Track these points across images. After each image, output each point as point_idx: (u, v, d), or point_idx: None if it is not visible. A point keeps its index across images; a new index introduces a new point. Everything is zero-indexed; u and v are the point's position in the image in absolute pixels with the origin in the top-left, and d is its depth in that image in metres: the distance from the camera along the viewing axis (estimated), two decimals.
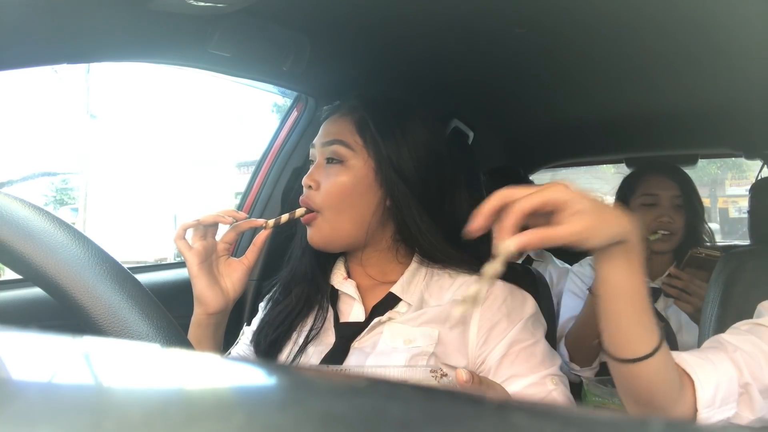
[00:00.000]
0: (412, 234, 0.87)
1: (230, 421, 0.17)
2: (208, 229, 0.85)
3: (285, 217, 0.86)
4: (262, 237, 0.87)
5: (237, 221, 0.85)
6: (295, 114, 1.36)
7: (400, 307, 0.86)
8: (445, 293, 0.86)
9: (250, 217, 0.90)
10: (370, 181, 0.86)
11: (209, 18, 0.86)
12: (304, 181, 0.87)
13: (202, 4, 0.78)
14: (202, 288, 0.83)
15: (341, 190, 0.85)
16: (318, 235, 0.86)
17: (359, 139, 0.87)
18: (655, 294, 1.51)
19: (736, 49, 1.16)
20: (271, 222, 0.86)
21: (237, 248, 1.33)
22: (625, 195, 1.60)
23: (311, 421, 0.17)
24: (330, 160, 0.87)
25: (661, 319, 1.43)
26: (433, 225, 0.87)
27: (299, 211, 0.86)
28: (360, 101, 0.91)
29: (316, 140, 0.90)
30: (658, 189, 1.54)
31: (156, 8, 0.78)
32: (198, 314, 0.84)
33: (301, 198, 0.87)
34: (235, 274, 0.86)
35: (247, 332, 0.95)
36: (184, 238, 0.83)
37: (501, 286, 0.85)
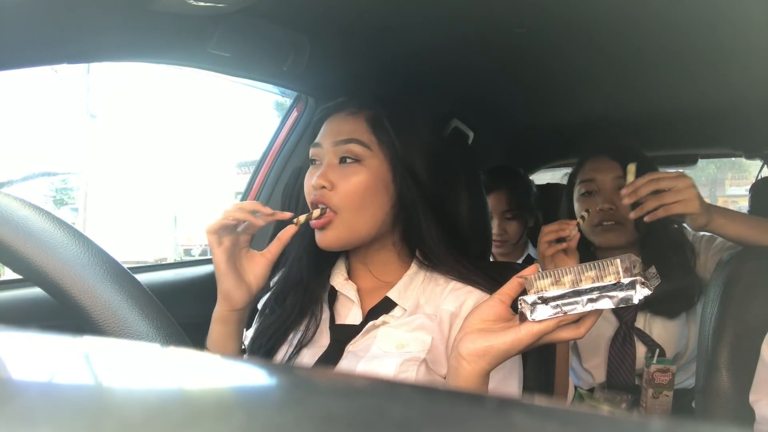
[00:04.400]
0: (418, 234, 0.87)
1: (230, 421, 0.17)
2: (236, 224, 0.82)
3: (302, 218, 0.84)
4: (288, 233, 0.83)
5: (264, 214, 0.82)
6: (295, 114, 1.36)
7: (396, 311, 0.85)
8: (438, 299, 0.85)
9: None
10: (387, 180, 0.86)
11: (209, 18, 0.86)
12: (317, 182, 0.84)
13: (202, 4, 0.78)
14: (229, 286, 0.81)
15: (361, 189, 0.83)
16: (334, 236, 0.84)
17: (374, 137, 0.85)
18: (629, 312, 1.34)
19: (736, 49, 1.16)
20: (302, 218, 0.83)
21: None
22: (569, 189, 1.41)
23: (311, 421, 0.17)
24: (344, 160, 0.84)
25: (646, 338, 1.33)
26: (437, 225, 0.87)
27: (316, 212, 0.83)
28: (372, 99, 0.89)
29: (324, 139, 0.87)
30: (595, 172, 1.33)
31: (156, 8, 0.78)
32: (222, 311, 0.82)
33: (314, 199, 0.84)
34: (257, 268, 0.83)
35: (249, 335, 0.94)
36: (217, 233, 0.81)
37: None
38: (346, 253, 0.94)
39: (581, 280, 0.62)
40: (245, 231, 0.83)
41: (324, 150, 0.86)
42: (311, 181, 0.85)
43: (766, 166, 2.03)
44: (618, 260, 0.62)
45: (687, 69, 1.32)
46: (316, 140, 0.89)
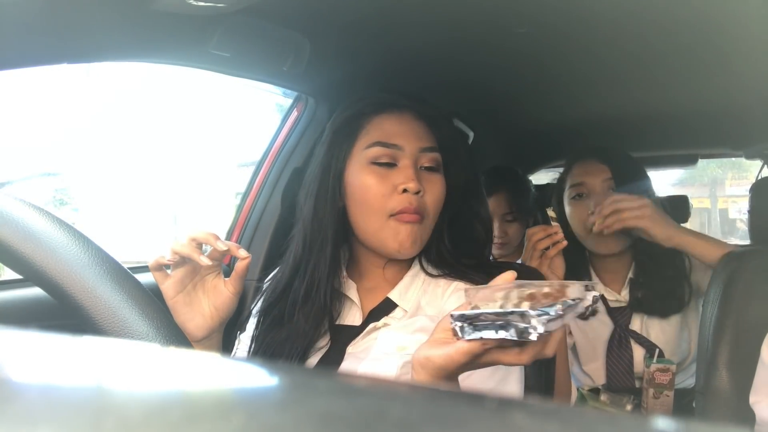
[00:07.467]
0: (436, 237, 0.87)
1: (230, 421, 0.17)
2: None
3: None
4: (243, 265, 0.77)
5: (218, 248, 0.75)
6: (295, 114, 1.35)
7: (396, 312, 0.85)
8: (440, 300, 0.85)
9: (248, 222, 0.85)
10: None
11: (209, 18, 0.86)
12: (415, 186, 0.80)
13: (203, 4, 0.78)
14: (181, 321, 0.77)
15: (441, 198, 0.85)
16: (419, 241, 0.83)
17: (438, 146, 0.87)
18: (624, 314, 1.36)
19: (736, 48, 1.16)
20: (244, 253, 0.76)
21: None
22: (559, 193, 1.43)
23: (311, 421, 0.17)
24: (429, 168, 0.85)
25: (642, 339, 1.34)
26: (447, 227, 0.88)
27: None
28: (433, 107, 0.89)
29: (405, 142, 0.83)
30: (585, 176, 1.35)
31: (156, 8, 0.78)
32: None
33: (409, 206, 0.80)
34: (219, 299, 0.79)
35: (244, 340, 0.91)
36: (162, 269, 0.76)
37: None
38: (352, 251, 0.91)
39: (510, 299, 0.57)
40: (209, 257, 0.76)
41: (405, 153, 0.83)
42: (403, 182, 0.81)
43: (766, 166, 2.03)
44: (548, 286, 0.56)
45: (687, 69, 1.32)
46: (389, 141, 0.83)
